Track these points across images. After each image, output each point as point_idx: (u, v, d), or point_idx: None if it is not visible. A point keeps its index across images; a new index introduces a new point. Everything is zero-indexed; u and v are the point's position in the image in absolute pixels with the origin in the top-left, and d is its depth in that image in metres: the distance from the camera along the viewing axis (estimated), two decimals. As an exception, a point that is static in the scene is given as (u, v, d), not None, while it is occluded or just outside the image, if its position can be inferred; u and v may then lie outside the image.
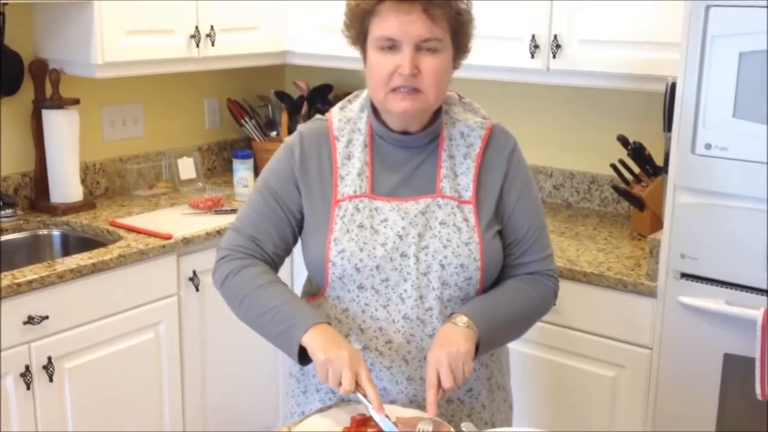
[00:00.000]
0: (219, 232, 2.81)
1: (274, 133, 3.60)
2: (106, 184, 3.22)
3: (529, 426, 2.56)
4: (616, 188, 2.80)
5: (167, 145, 3.42)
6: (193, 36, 3.01)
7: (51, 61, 2.93)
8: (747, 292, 2.15)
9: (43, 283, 2.34)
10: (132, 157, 3.29)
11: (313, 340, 1.53)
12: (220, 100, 3.63)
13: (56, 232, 2.87)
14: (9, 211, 2.83)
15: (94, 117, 3.16)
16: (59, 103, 2.90)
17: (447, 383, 1.51)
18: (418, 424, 1.48)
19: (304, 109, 3.56)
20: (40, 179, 2.96)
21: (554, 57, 2.70)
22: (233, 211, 3.00)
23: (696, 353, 2.24)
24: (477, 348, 1.58)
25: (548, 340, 2.51)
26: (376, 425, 1.48)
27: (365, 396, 1.49)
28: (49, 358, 2.37)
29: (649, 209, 2.70)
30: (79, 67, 2.86)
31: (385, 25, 1.56)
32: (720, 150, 2.13)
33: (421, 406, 1.59)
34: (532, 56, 2.74)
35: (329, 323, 1.59)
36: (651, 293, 2.33)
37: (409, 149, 1.68)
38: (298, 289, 1.78)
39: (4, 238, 2.75)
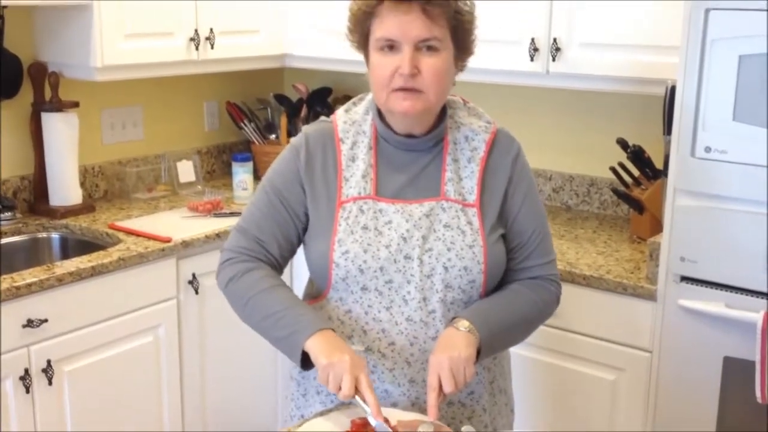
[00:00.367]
0: (218, 235, 2.81)
1: (273, 136, 3.60)
2: (105, 187, 3.22)
3: (529, 429, 2.56)
4: (615, 191, 2.80)
5: (166, 148, 3.42)
6: (192, 39, 3.01)
7: (50, 64, 2.93)
8: (747, 295, 2.15)
9: (42, 287, 2.33)
10: (131, 160, 3.29)
11: (315, 345, 1.54)
12: (220, 103, 3.64)
13: (55, 235, 2.87)
14: (8, 214, 2.83)
15: (93, 120, 3.16)
16: (58, 106, 2.90)
17: (448, 387, 1.51)
18: (419, 427, 1.48)
19: (304, 112, 3.56)
20: (39, 182, 2.96)
21: (554, 60, 2.71)
22: (232, 214, 3.00)
23: (696, 356, 2.24)
24: (479, 352, 1.58)
25: (548, 343, 2.51)
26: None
27: (365, 401, 1.49)
28: (49, 362, 2.37)
29: (648, 212, 2.70)
30: (78, 70, 2.86)
31: (385, 26, 1.57)
32: (720, 153, 2.13)
33: (423, 409, 1.60)
34: (532, 59, 2.75)
35: (332, 329, 1.59)
36: (651, 296, 2.33)
37: (414, 152, 1.68)
38: (298, 291, 1.78)
39: (4, 241, 2.75)
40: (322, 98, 3.59)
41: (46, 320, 2.35)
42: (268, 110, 3.66)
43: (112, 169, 3.23)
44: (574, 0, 2.65)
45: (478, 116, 1.74)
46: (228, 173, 3.43)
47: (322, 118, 1.78)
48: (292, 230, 1.71)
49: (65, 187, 2.92)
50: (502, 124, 1.76)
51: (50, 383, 2.38)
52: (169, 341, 2.73)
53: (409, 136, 1.67)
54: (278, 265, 1.73)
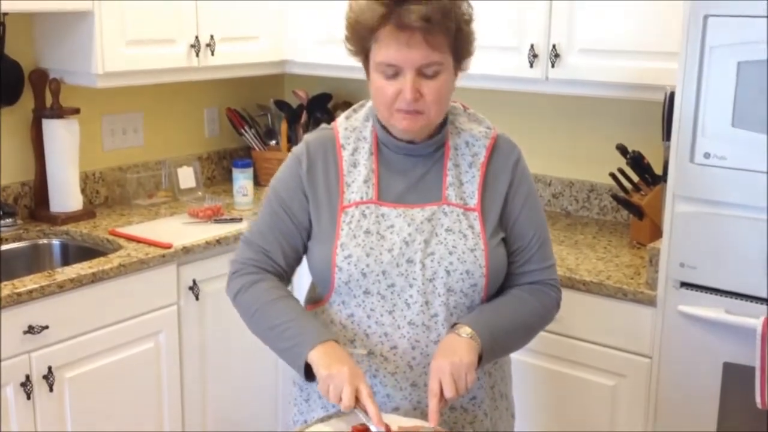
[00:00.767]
0: (219, 241, 2.82)
1: (273, 142, 3.61)
2: (105, 193, 3.22)
3: (530, 435, 2.56)
4: (615, 197, 2.81)
5: (167, 154, 3.43)
6: (193, 45, 3.01)
7: (51, 70, 2.93)
8: (747, 300, 2.15)
9: (43, 293, 2.33)
10: (132, 166, 3.30)
11: (317, 356, 1.55)
12: (220, 109, 3.64)
13: (56, 242, 2.87)
14: (9, 221, 2.83)
15: (94, 126, 3.16)
16: (59, 112, 2.91)
17: (449, 393, 1.52)
18: (420, 432, 1.49)
19: (304, 118, 3.56)
20: (39, 188, 2.96)
21: (553, 66, 2.71)
22: (233, 220, 3.00)
23: (696, 362, 2.24)
24: (480, 358, 1.59)
25: (548, 349, 2.51)
26: (376, 436, 1.48)
27: (366, 412, 1.50)
28: (50, 368, 2.37)
29: (648, 218, 2.71)
30: (79, 76, 2.86)
31: (386, 51, 1.57)
32: (719, 159, 2.14)
33: (425, 413, 1.60)
34: (531, 65, 2.75)
35: (335, 340, 1.60)
36: (650, 302, 2.33)
37: (415, 157, 1.69)
38: (299, 296, 1.79)
39: (4, 247, 2.75)
40: (322, 104, 3.60)
41: (47, 327, 2.35)
42: (268, 116, 3.67)
43: (113, 176, 3.24)
44: (573, 6, 2.66)
45: (478, 122, 1.75)
46: (228, 179, 3.44)
47: (323, 125, 1.79)
48: (297, 239, 1.72)
49: (66, 194, 2.92)
50: (501, 129, 1.77)
51: (51, 390, 2.38)
52: (170, 347, 2.73)
53: (410, 142, 1.68)
54: (285, 275, 1.75)
